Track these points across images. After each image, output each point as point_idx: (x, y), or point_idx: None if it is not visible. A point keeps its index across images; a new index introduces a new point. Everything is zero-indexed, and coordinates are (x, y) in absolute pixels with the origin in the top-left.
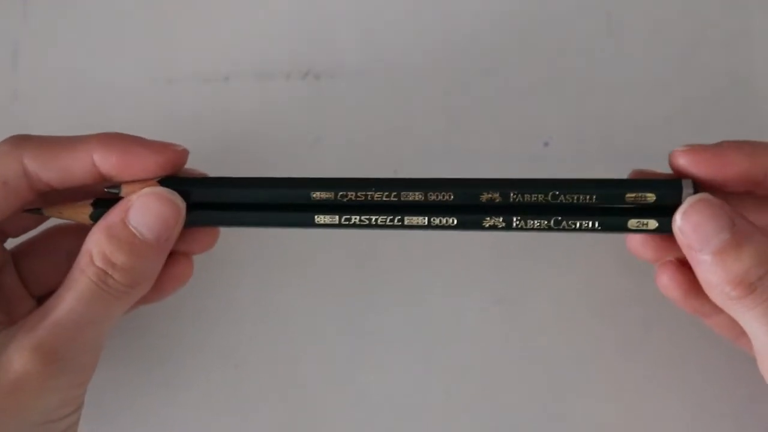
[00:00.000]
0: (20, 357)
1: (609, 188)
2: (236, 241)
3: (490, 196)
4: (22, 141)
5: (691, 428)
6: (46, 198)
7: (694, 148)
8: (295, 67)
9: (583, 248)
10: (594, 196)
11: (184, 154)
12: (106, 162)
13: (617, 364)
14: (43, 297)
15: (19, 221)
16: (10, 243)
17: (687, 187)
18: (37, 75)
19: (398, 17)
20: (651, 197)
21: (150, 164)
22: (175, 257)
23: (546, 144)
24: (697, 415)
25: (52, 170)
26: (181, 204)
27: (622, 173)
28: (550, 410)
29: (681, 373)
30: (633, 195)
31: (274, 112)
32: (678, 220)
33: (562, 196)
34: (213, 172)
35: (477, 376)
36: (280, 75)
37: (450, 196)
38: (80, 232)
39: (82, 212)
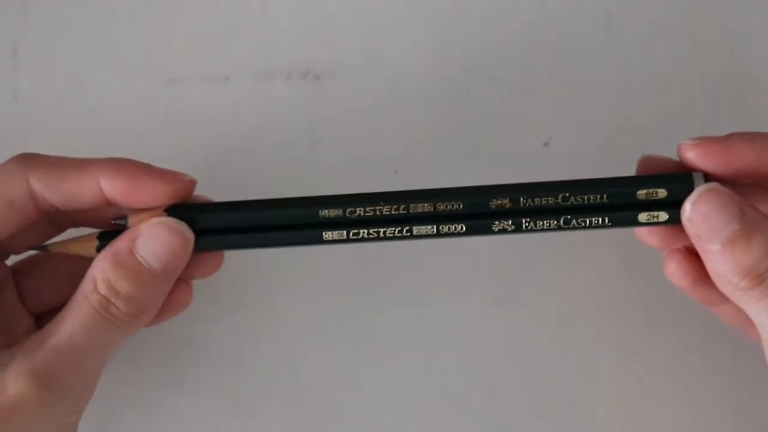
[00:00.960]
0: (16, 381)
1: (620, 187)
2: None
3: (499, 202)
4: (29, 160)
5: (691, 428)
6: (51, 218)
7: (703, 141)
8: (295, 67)
9: (583, 248)
10: (605, 196)
11: (191, 184)
12: (113, 188)
13: (617, 364)
14: (42, 315)
15: (23, 239)
16: (12, 258)
17: (698, 180)
18: (37, 75)
19: (398, 18)
20: (662, 193)
21: (157, 193)
22: (176, 283)
23: (546, 144)
24: (697, 416)
25: (58, 193)
26: (190, 235)
27: (622, 173)
28: (550, 410)
29: (681, 374)
30: (644, 192)
31: (274, 113)
32: (687, 209)
33: (572, 197)
34: (212, 172)
35: (477, 376)
36: (280, 75)
37: (459, 205)
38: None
39: (88, 246)
